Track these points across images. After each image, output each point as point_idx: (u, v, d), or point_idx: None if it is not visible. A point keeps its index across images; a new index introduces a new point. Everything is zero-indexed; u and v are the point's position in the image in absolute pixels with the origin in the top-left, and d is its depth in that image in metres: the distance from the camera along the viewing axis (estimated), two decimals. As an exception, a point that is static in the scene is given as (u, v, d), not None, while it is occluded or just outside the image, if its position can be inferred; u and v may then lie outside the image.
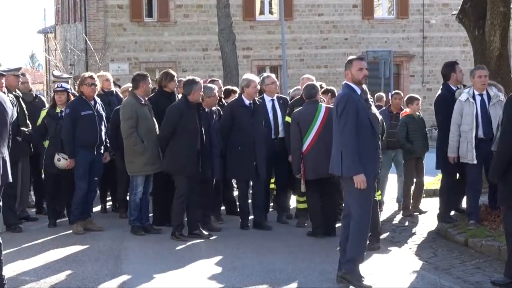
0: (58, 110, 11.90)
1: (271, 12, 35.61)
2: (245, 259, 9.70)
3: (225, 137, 11.70)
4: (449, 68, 11.69)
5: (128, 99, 11.61)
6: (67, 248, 10.40)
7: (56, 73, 14.73)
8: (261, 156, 11.65)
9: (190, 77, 11.34)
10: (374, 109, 10.53)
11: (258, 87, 11.93)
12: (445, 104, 11.30)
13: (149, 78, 11.60)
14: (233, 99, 12.45)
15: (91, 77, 11.60)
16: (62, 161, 11.45)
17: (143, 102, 11.32)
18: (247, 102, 11.69)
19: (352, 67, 8.43)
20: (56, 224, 11.96)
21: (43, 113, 12.11)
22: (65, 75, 14.56)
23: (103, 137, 11.58)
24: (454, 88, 11.44)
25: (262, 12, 35.44)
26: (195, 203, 11.04)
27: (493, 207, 10.99)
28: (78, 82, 11.81)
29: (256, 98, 11.85)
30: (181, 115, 10.85)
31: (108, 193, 13.70)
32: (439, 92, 11.71)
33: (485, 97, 10.91)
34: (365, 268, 8.74)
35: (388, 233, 11.38)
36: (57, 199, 12.16)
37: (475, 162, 10.76)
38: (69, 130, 11.32)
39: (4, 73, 11.22)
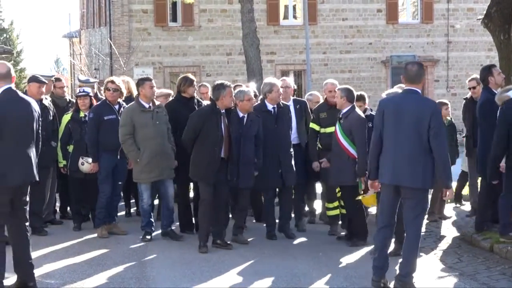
0: (82, 114, 11.99)
1: (295, 17, 35.60)
2: (269, 264, 9.69)
3: None
4: (486, 72, 11.28)
5: (130, 105, 11.42)
6: (92, 252, 10.46)
7: (82, 77, 14.81)
8: (287, 163, 11.25)
9: (220, 81, 10.77)
10: None
11: (281, 90, 11.46)
12: (491, 109, 10.72)
13: (148, 82, 11.23)
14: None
15: (112, 81, 11.68)
16: (85, 165, 11.51)
17: (146, 108, 11.11)
18: (270, 107, 11.28)
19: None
20: (81, 228, 12.03)
21: (66, 118, 12.17)
22: (91, 79, 14.63)
23: None
24: (496, 92, 10.94)
25: (286, 17, 35.44)
26: (219, 212, 10.64)
27: None
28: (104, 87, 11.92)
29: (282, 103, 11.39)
30: (203, 122, 10.43)
31: (133, 197, 13.73)
32: (481, 97, 11.26)
33: None
34: (390, 274, 8.72)
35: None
36: (81, 203, 12.22)
37: None
38: (93, 134, 11.41)
39: (46, 81, 11.55)
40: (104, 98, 11.92)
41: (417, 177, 8.08)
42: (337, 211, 11.66)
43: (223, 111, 10.53)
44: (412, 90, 8.26)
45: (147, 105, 11.13)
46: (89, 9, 39.30)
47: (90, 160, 11.47)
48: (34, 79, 11.57)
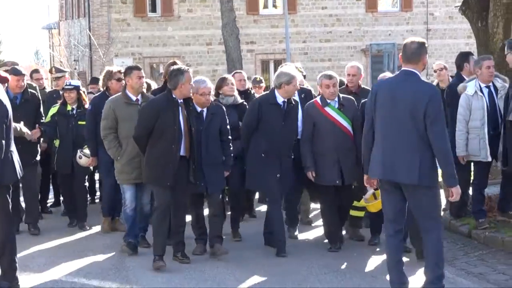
0: (69, 107, 11.58)
1: (274, 6, 35.59)
2: (257, 259, 9.51)
3: (246, 138, 9.84)
4: (463, 58, 11.19)
5: (114, 96, 10.43)
6: (72, 242, 10.50)
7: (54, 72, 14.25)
8: (286, 167, 9.76)
9: (176, 66, 9.28)
10: None
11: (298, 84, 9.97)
12: (457, 95, 10.39)
13: (136, 71, 10.11)
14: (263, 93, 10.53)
15: (119, 71, 10.92)
16: (83, 158, 11.05)
17: (132, 101, 10.01)
18: (280, 100, 9.68)
19: (427, 54, 7.37)
20: (75, 224, 11.63)
21: (53, 111, 11.76)
22: (65, 69, 14.32)
23: None
24: (467, 79, 10.74)
25: (265, 6, 35.44)
26: (178, 222, 9.30)
27: (502, 210, 10.35)
28: (103, 77, 11.16)
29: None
30: (158, 115, 8.91)
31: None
32: (451, 82, 11.23)
33: (492, 89, 10.21)
34: (369, 262, 8.75)
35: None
36: (71, 199, 11.80)
37: (489, 159, 10.09)
38: (91, 127, 10.84)
39: (25, 73, 11.19)
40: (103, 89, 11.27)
41: (413, 172, 7.01)
42: (362, 213, 10.35)
43: (181, 101, 9.06)
44: (408, 72, 7.20)
45: (134, 98, 10.04)
46: (67, 0, 39.10)
47: (88, 153, 11.02)
48: (11, 71, 11.10)
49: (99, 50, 30.89)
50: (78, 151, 11.12)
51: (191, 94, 9.22)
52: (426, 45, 7.34)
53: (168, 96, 9.02)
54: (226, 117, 9.73)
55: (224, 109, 9.79)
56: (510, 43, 10.02)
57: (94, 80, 15.32)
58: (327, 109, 9.75)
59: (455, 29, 35.74)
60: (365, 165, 7.57)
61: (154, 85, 12.27)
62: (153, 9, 34.20)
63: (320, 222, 11.18)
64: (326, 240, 10.10)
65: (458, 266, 8.89)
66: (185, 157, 9.05)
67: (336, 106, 9.76)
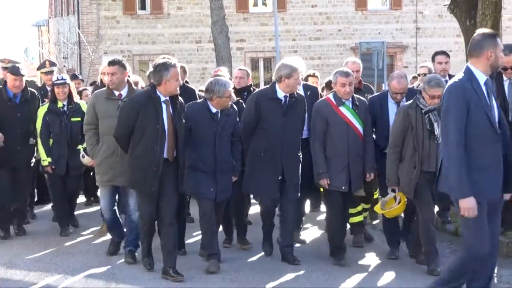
0: (60, 104, 10.75)
1: (264, 4, 35.56)
2: (244, 258, 9.45)
3: (246, 138, 9.11)
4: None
5: (99, 91, 9.83)
6: (58, 242, 10.44)
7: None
8: (291, 168, 9.02)
9: (162, 60, 8.34)
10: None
11: (301, 78, 9.40)
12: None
13: (109, 67, 9.34)
14: (262, 88, 9.87)
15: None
16: (86, 158, 10.19)
17: (114, 96, 9.27)
18: (281, 95, 8.94)
19: (497, 47, 6.46)
20: (68, 234, 10.83)
21: (43, 110, 10.78)
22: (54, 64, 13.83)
23: None
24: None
25: (255, 4, 35.40)
26: (165, 233, 8.54)
27: None
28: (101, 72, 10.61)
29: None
30: (137, 113, 8.20)
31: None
32: None
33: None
34: (356, 262, 8.75)
35: (378, 221, 11.26)
36: (64, 203, 11.09)
37: None
38: None
39: (23, 74, 10.46)
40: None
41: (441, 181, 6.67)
42: (360, 217, 10.00)
43: (167, 98, 8.28)
44: (465, 69, 6.52)
45: (116, 93, 9.29)
46: (57, -3, 39.05)
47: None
48: (10, 70, 10.58)
49: (88, 48, 30.83)
50: (81, 149, 10.36)
51: (212, 97, 8.69)
52: (497, 38, 6.46)
53: (151, 93, 8.27)
54: (237, 118, 9.11)
55: (236, 109, 9.14)
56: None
57: (74, 77, 15.19)
58: (342, 109, 9.03)
59: (445, 28, 35.75)
60: None
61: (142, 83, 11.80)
62: (143, 7, 34.14)
63: (308, 224, 11.24)
64: (315, 240, 10.07)
65: (445, 263, 8.88)
66: (168, 160, 8.27)
67: (351, 106, 9.07)
